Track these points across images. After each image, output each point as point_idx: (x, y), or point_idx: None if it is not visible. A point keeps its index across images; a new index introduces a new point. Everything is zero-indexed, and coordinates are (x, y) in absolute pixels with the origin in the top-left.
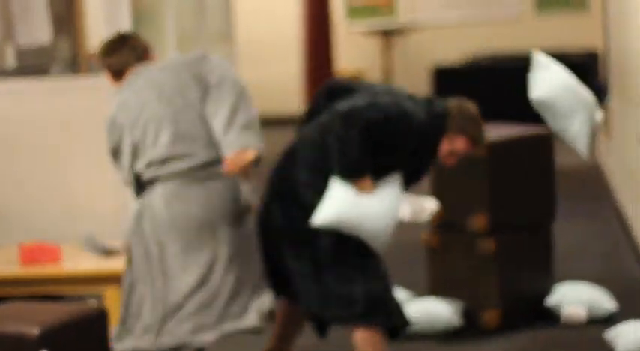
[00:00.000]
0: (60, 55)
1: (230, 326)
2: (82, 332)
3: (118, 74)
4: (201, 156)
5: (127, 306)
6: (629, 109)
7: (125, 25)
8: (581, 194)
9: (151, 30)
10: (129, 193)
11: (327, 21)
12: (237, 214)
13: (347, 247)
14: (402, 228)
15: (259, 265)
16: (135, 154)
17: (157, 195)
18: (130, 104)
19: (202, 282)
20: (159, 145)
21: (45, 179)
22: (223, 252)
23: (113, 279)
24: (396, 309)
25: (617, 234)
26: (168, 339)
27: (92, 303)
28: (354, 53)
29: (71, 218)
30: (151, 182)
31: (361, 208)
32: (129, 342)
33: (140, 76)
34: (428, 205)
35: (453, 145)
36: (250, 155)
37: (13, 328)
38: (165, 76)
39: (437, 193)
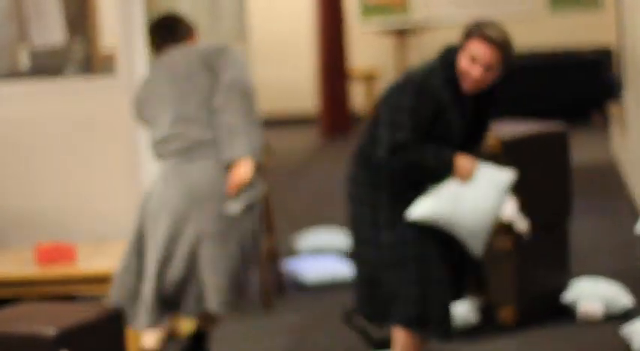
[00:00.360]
0: (74, 56)
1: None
2: (98, 333)
3: (157, 51)
4: (197, 135)
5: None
6: None
7: (139, 25)
8: (596, 190)
9: None
10: (142, 191)
11: (340, 20)
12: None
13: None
14: None
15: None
16: (149, 130)
17: (159, 172)
18: (149, 82)
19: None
20: (162, 125)
21: (60, 180)
22: (208, 230)
23: None
24: (436, 318)
25: (634, 229)
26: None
27: (108, 303)
28: (367, 52)
29: (87, 219)
30: (159, 159)
31: (461, 201)
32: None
33: (166, 57)
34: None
35: (468, 53)
36: (245, 171)
37: (29, 328)
38: (181, 60)
39: None
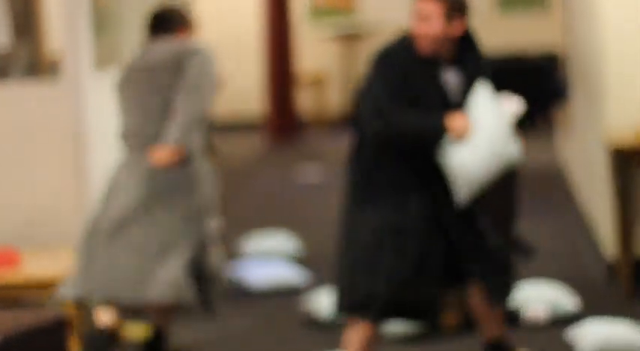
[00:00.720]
0: (19, 61)
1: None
2: (42, 340)
3: (148, 40)
4: (152, 131)
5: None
6: (590, 108)
7: (85, 29)
8: (541, 194)
9: (111, 33)
10: (91, 197)
11: (288, 23)
12: (179, 183)
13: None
14: None
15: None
16: (119, 119)
17: (120, 162)
18: (127, 71)
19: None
20: (127, 116)
21: (3, 184)
22: (161, 218)
23: None
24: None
25: (579, 233)
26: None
27: (52, 310)
28: (316, 55)
29: (31, 224)
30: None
31: (477, 154)
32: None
33: (148, 48)
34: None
35: (412, 15)
36: (164, 153)
37: None
38: (157, 56)
39: None
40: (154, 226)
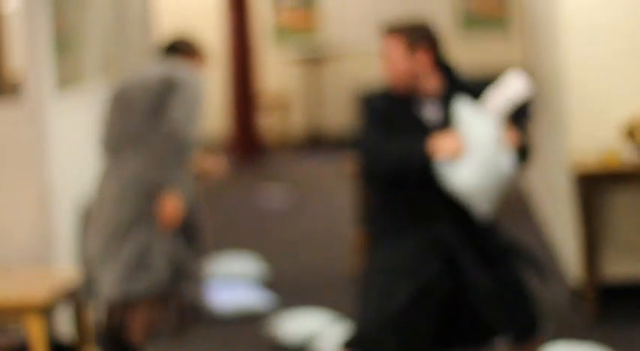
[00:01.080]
0: None
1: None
2: None
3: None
4: (129, 150)
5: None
6: (553, 132)
7: (46, 49)
8: (504, 216)
9: (72, 53)
10: (55, 220)
11: (251, 44)
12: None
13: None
14: (327, 253)
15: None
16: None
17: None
18: (123, 86)
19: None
20: (107, 131)
21: None
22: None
23: (34, 309)
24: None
25: (542, 256)
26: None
27: (13, 335)
28: (279, 77)
29: None
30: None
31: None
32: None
33: (147, 68)
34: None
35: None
36: (171, 207)
37: None
38: (147, 78)
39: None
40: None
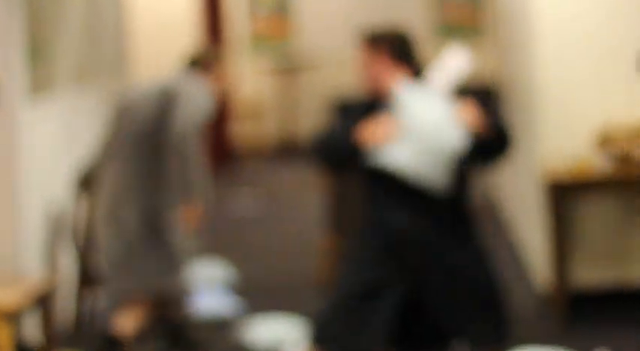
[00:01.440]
0: None
1: None
2: None
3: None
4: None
5: None
6: (525, 140)
7: (19, 56)
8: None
9: (45, 60)
10: (22, 224)
11: (225, 52)
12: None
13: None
14: (297, 259)
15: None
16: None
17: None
18: (139, 89)
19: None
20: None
21: None
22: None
23: (3, 315)
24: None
25: (511, 265)
26: None
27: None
28: (253, 85)
29: None
30: None
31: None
32: None
33: (161, 78)
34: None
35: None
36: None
37: None
38: (154, 87)
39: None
40: None
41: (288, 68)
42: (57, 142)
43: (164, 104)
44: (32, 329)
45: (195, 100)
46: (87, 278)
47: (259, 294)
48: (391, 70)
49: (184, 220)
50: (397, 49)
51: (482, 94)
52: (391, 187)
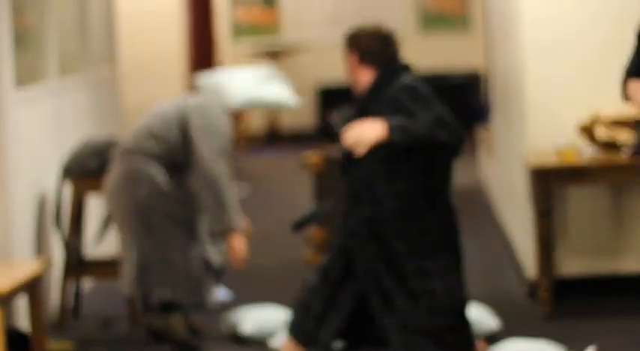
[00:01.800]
0: None
1: None
2: None
3: None
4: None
5: None
6: (511, 128)
7: (5, 45)
8: (463, 214)
9: (32, 51)
10: (11, 211)
11: (211, 41)
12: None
13: None
14: (284, 248)
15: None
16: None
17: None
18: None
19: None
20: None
21: None
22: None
23: None
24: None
25: (499, 253)
26: None
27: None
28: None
29: None
30: None
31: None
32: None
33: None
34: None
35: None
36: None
37: None
38: (176, 101)
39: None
40: None
41: (273, 53)
42: (45, 130)
43: (180, 123)
44: (22, 314)
45: (210, 116)
46: (73, 265)
47: (246, 282)
48: (360, 72)
49: (233, 249)
50: (365, 52)
51: (470, 82)
52: (347, 186)
